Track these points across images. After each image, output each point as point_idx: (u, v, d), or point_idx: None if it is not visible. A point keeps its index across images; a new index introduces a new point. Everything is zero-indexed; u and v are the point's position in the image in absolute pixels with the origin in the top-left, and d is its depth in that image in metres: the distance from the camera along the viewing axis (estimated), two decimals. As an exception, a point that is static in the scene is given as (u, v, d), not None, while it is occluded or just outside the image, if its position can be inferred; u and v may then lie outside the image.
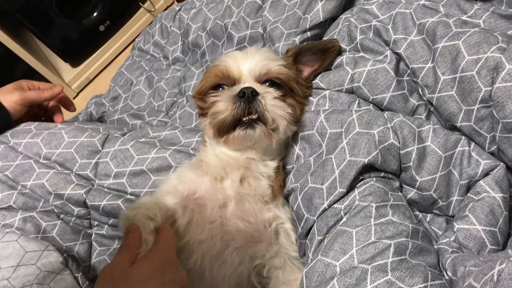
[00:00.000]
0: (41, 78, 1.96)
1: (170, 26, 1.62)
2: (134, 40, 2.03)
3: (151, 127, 1.41)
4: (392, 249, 0.71)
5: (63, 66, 2.02)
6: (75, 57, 1.98)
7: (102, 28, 1.94)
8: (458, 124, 0.85)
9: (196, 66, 1.49)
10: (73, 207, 1.10)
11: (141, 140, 1.16)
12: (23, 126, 1.19)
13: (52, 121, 1.32)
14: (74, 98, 1.98)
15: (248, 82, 0.92)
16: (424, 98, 0.92)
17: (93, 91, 1.97)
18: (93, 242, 1.15)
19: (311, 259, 0.81)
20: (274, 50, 1.21)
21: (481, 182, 0.81)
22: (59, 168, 1.11)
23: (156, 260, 0.77)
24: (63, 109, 1.35)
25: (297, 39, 1.12)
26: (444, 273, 0.72)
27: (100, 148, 1.13)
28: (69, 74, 1.99)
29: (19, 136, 1.15)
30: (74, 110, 1.40)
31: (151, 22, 2.00)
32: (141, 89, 1.60)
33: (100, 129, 1.22)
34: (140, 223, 0.83)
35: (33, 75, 1.93)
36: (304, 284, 0.76)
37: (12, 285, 0.91)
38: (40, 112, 1.32)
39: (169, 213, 0.90)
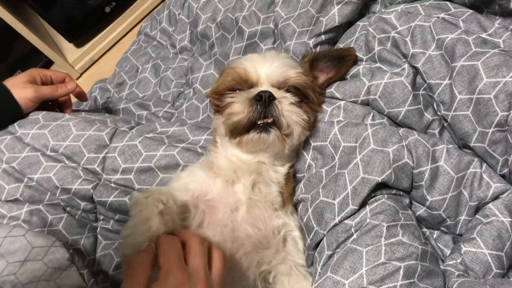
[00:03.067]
0: (46, 59, 1.93)
1: (179, 14, 1.59)
2: (139, 22, 2.00)
3: (158, 120, 1.41)
4: (402, 272, 0.73)
5: (67, 46, 1.98)
6: (79, 37, 1.94)
7: (108, 9, 1.90)
8: (472, 144, 0.85)
9: (204, 58, 1.47)
10: (80, 202, 1.10)
11: (149, 136, 1.15)
12: (30, 115, 1.17)
13: (61, 109, 1.30)
14: (77, 79, 1.95)
15: (265, 86, 0.92)
16: (439, 114, 0.92)
17: (96, 73, 1.94)
18: (98, 236, 1.16)
19: (319, 273, 0.82)
20: (285, 48, 1.19)
21: (490, 205, 0.82)
22: (66, 162, 1.11)
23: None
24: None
25: (311, 42, 1.11)
26: (451, 297, 0.74)
27: (108, 143, 1.13)
28: (72, 55, 1.95)
29: (27, 127, 1.14)
30: (86, 100, 1.38)
31: (157, 6, 1.97)
32: (147, 77, 1.58)
33: (107, 121, 1.21)
34: (149, 204, 0.81)
35: (36, 54, 1.90)
36: (313, 300, 0.77)
37: (19, 280, 0.91)
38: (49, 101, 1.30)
39: (181, 206, 0.89)
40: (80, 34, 1.95)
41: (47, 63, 2.02)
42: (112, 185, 1.10)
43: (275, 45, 1.28)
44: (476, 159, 0.85)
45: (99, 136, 1.13)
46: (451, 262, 0.79)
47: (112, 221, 1.14)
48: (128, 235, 0.76)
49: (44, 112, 1.19)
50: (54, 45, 1.98)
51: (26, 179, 1.09)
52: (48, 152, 1.11)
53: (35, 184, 1.09)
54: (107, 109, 1.53)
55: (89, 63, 1.97)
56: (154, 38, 1.70)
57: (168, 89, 1.52)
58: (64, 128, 1.13)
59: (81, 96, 1.32)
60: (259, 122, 0.88)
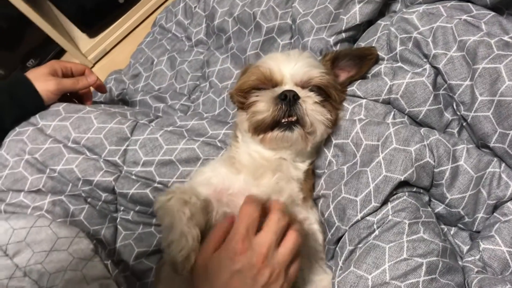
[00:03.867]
0: (58, 48, 1.94)
1: (195, 7, 1.60)
2: (152, 13, 2.00)
3: (175, 113, 1.42)
4: (424, 268, 0.75)
5: (80, 36, 1.99)
6: (92, 27, 1.95)
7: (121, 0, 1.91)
8: (491, 145, 0.87)
9: (221, 52, 1.48)
10: (101, 193, 1.12)
11: (169, 129, 1.17)
12: (51, 107, 1.19)
13: (80, 101, 1.32)
14: (91, 68, 1.96)
15: (288, 85, 0.93)
16: (458, 114, 0.94)
17: (109, 63, 1.95)
18: (118, 226, 1.18)
19: (341, 267, 0.85)
20: (303, 44, 1.21)
21: (508, 204, 0.85)
22: (88, 154, 1.13)
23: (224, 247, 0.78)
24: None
25: (332, 40, 1.12)
26: (470, 293, 0.77)
27: (129, 136, 1.15)
28: (85, 45, 1.97)
29: (48, 118, 1.16)
30: (106, 92, 1.40)
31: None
32: (163, 70, 1.59)
33: (127, 114, 1.23)
34: (175, 210, 0.84)
35: (48, 43, 1.91)
36: (336, 293, 0.80)
37: (47, 269, 0.93)
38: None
39: (204, 200, 0.91)
40: (93, 24, 1.96)
41: (60, 53, 2.03)
42: (133, 177, 1.12)
43: (293, 41, 1.30)
44: (495, 159, 0.87)
45: (120, 129, 1.14)
46: (470, 259, 0.82)
47: (132, 212, 1.16)
48: (171, 252, 0.80)
49: (65, 104, 1.20)
50: (67, 35, 1.99)
51: (48, 170, 1.11)
52: (69, 144, 1.13)
53: (58, 175, 1.11)
54: (123, 100, 1.55)
55: (102, 54, 1.99)
56: (169, 31, 1.71)
57: (184, 82, 1.53)
58: (86, 121, 1.15)
59: (101, 88, 1.34)
60: (283, 121, 0.89)
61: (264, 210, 0.82)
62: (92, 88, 1.34)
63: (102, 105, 1.28)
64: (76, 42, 1.99)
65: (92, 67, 1.98)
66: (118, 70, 1.73)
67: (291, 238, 0.80)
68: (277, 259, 0.77)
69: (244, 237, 0.76)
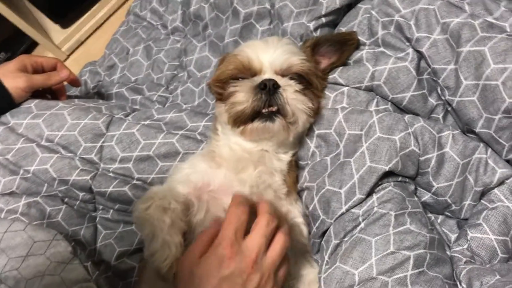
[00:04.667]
0: (30, 41, 1.87)
1: (170, -6, 1.54)
2: (126, 1, 1.93)
3: (152, 104, 1.38)
4: (411, 261, 0.73)
5: (52, 27, 1.91)
6: (65, 17, 1.88)
7: (93, -12, 1.85)
8: (477, 130, 0.85)
9: (198, 39, 1.43)
10: (78, 192, 1.08)
11: (146, 123, 1.13)
12: (23, 105, 1.14)
13: (52, 96, 1.26)
14: (64, 60, 1.90)
15: (268, 73, 0.90)
16: (443, 99, 0.91)
17: (84, 54, 1.89)
18: (98, 226, 1.14)
19: (327, 262, 0.82)
20: (282, 30, 1.17)
21: (495, 190, 0.83)
22: (62, 152, 1.08)
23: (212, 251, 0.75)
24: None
25: (311, 25, 1.08)
26: (458, 284, 0.75)
27: (105, 131, 1.10)
28: (58, 36, 1.89)
29: (19, 116, 1.11)
30: (80, 85, 1.35)
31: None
32: (139, 60, 1.54)
33: (102, 108, 1.18)
34: (155, 219, 0.81)
35: (19, 36, 1.84)
36: (323, 290, 0.78)
37: (23, 275, 0.90)
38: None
39: (184, 201, 0.88)
40: (65, 14, 1.89)
41: (32, 45, 1.95)
42: (111, 174, 1.08)
43: (272, 26, 1.25)
44: (481, 144, 0.85)
45: (95, 124, 1.10)
46: (458, 248, 0.80)
47: (111, 211, 1.13)
48: (154, 261, 0.78)
49: (37, 101, 1.15)
50: (39, 26, 1.91)
51: (22, 171, 1.07)
52: (43, 143, 1.09)
53: (32, 176, 1.07)
54: (99, 93, 1.49)
55: (76, 44, 1.92)
56: (144, 19, 1.65)
57: (161, 72, 1.49)
58: (59, 117, 1.10)
59: (75, 82, 1.29)
60: (263, 111, 0.86)
61: (252, 209, 0.79)
62: (65, 82, 1.29)
63: (76, 100, 1.23)
64: (49, 33, 1.92)
65: (66, 59, 1.91)
66: (93, 61, 1.67)
67: (279, 241, 0.77)
68: (267, 263, 0.74)
69: (232, 242, 0.73)
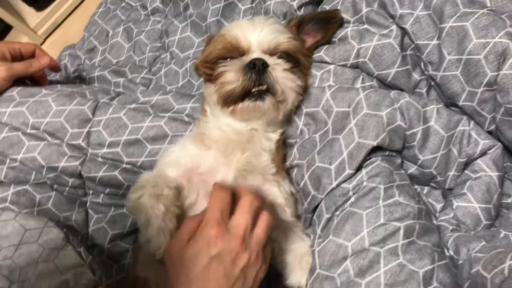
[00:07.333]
0: (3, 24, 1.81)
1: (148, -27, 1.51)
2: (103, -19, 1.88)
3: (136, 87, 1.36)
4: (402, 231, 0.76)
5: (27, 10, 1.86)
6: (39, 0, 1.83)
7: (67, -32, 1.79)
8: (460, 103, 0.87)
9: (180, 20, 1.41)
10: (68, 179, 1.08)
11: (132, 107, 1.12)
12: (5, 93, 1.11)
13: (33, 82, 1.24)
14: (41, 44, 1.85)
15: (256, 53, 0.90)
16: (426, 73, 0.93)
17: (61, 38, 1.84)
18: (89, 210, 1.15)
19: (319, 235, 0.85)
20: (265, 8, 1.16)
21: (478, 161, 0.86)
22: (49, 139, 1.07)
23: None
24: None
25: (295, 4, 1.08)
26: (446, 251, 0.78)
27: (91, 117, 1.09)
28: (34, 19, 1.84)
29: (2, 105, 1.09)
30: (60, 70, 1.32)
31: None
32: (120, 42, 1.52)
33: (86, 93, 1.17)
34: (149, 207, 0.83)
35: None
36: (317, 262, 0.81)
37: (17, 264, 0.90)
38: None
39: (175, 185, 0.89)
40: (39, -4, 1.83)
41: (6, 29, 1.90)
42: (100, 159, 1.08)
43: (254, 5, 1.24)
44: (464, 117, 0.88)
45: (81, 110, 1.09)
46: (444, 218, 0.83)
47: (102, 195, 1.13)
48: (150, 248, 0.82)
49: (19, 88, 1.13)
50: (12, 9, 1.86)
51: (8, 160, 1.06)
52: (28, 130, 1.07)
53: (19, 165, 1.06)
54: (80, 77, 1.47)
55: (52, 27, 1.87)
56: (123, 0, 1.62)
57: (143, 54, 1.47)
58: (43, 104, 1.09)
59: (55, 68, 1.26)
60: (253, 90, 0.87)
61: (233, 196, 0.80)
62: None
63: (59, 85, 1.21)
64: (23, 16, 1.87)
65: (43, 42, 1.87)
66: (71, 44, 1.63)
67: (264, 219, 0.79)
68: (254, 241, 0.76)
69: (219, 221, 0.74)
